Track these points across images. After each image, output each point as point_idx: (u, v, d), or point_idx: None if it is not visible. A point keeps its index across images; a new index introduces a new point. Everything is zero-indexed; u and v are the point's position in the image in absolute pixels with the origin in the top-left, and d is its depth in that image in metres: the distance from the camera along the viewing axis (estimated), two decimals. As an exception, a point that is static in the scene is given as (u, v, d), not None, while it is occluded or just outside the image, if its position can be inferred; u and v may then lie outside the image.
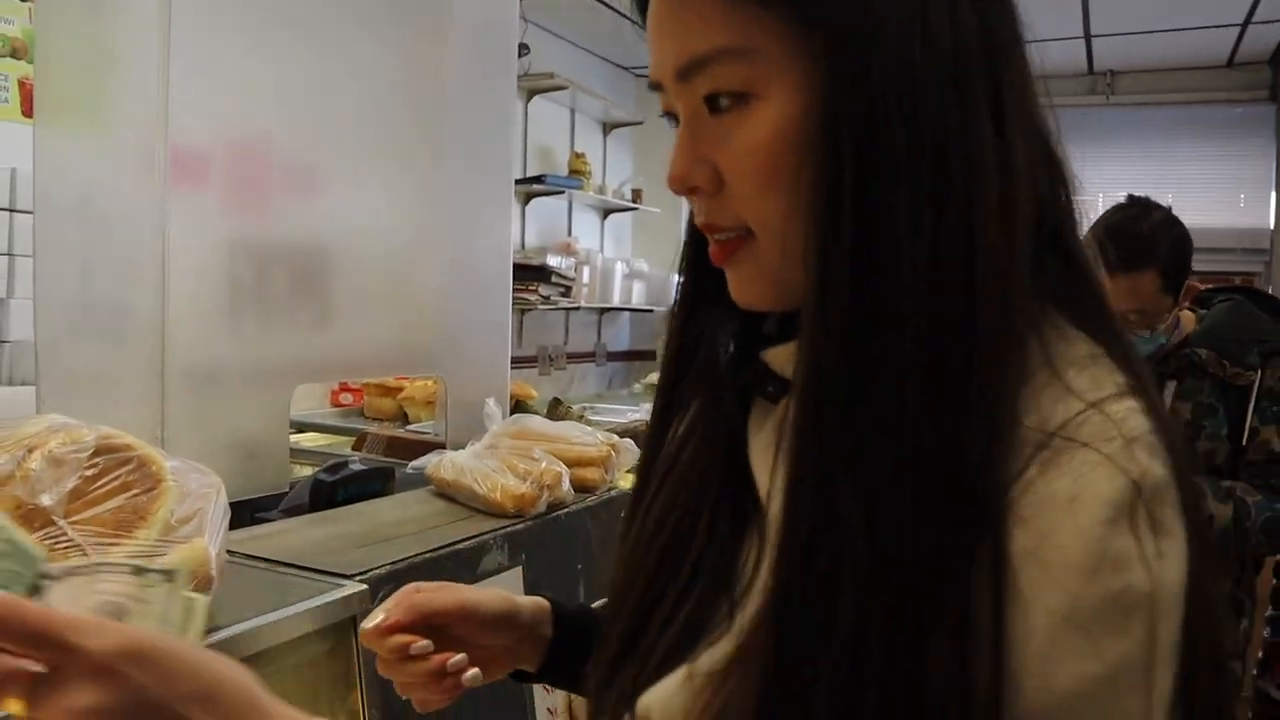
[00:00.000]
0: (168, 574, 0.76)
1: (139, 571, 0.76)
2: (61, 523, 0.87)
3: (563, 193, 5.18)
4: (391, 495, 1.60)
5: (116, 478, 0.92)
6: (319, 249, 1.65)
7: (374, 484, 1.60)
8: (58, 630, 0.51)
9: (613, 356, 6.49)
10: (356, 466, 1.61)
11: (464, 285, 1.89)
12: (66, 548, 0.87)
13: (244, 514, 1.44)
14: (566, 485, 1.53)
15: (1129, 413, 0.46)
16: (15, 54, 3.60)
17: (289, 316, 1.58)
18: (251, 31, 1.51)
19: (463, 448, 1.63)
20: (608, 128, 6.24)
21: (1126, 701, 0.43)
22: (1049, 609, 0.43)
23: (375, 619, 0.75)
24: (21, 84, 3.60)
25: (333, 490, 1.54)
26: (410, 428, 2.31)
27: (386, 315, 1.74)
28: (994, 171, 0.48)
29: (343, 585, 1.12)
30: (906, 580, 0.44)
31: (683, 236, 0.61)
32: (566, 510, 1.55)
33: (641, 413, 3.03)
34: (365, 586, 1.12)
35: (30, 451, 0.91)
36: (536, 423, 1.70)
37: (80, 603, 0.72)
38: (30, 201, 3.17)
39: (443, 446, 1.75)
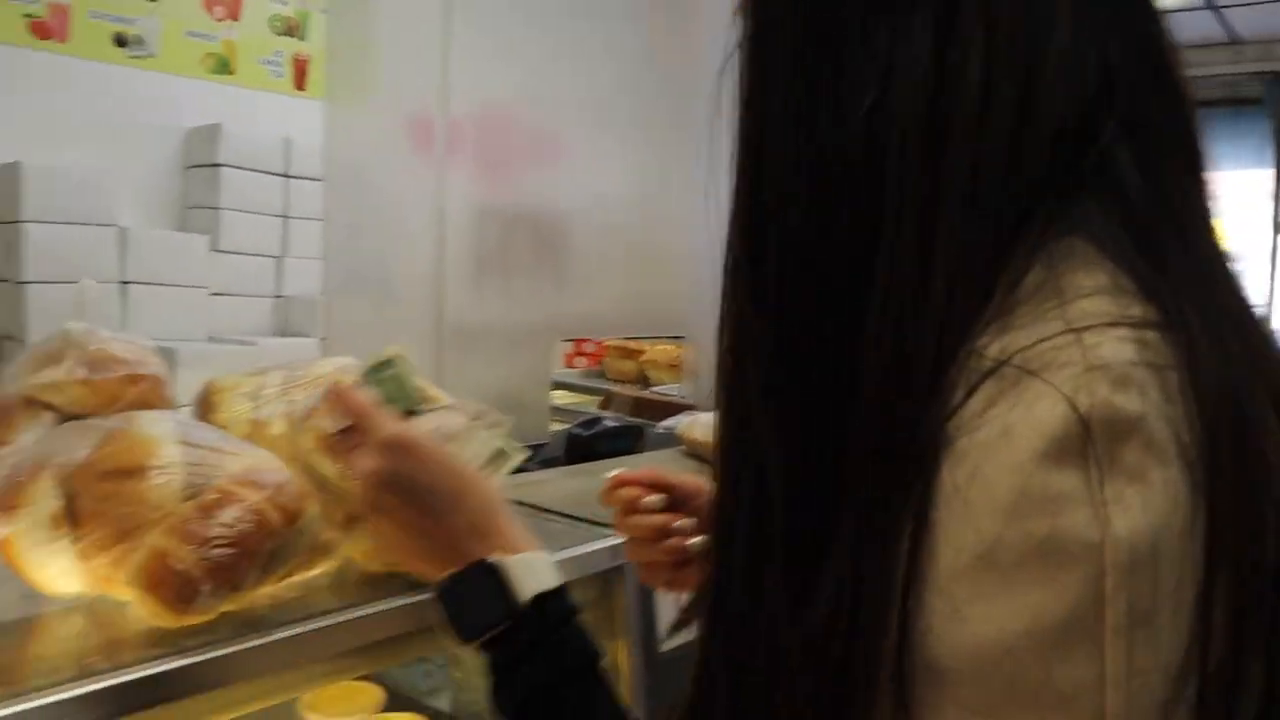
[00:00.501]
0: (488, 419, 0.91)
1: (475, 417, 0.91)
2: (363, 454, 0.92)
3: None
4: (642, 453, 1.61)
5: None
6: (574, 213, 1.68)
7: (626, 440, 1.62)
8: (365, 414, 0.78)
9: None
10: (609, 423, 1.64)
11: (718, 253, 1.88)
12: (367, 478, 0.91)
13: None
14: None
15: (1108, 341, 0.39)
16: (290, 32, 3.87)
17: (549, 277, 1.61)
18: (520, 7, 1.55)
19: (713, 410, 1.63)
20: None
21: (1062, 667, 0.36)
22: (966, 548, 0.37)
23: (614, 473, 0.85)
24: (295, 60, 3.88)
25: (588, 444, 1.57)
26: (654, 389, 2.33)
27: (641, 279, 1.75)
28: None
29: (608, 534, 1.13)
30: (820, 519, 0.43)
31: None
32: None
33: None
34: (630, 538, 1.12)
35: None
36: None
37: (421, 426, 0.86)
38: (303, 169, 3.44)
39: (692, 408, 1.75)
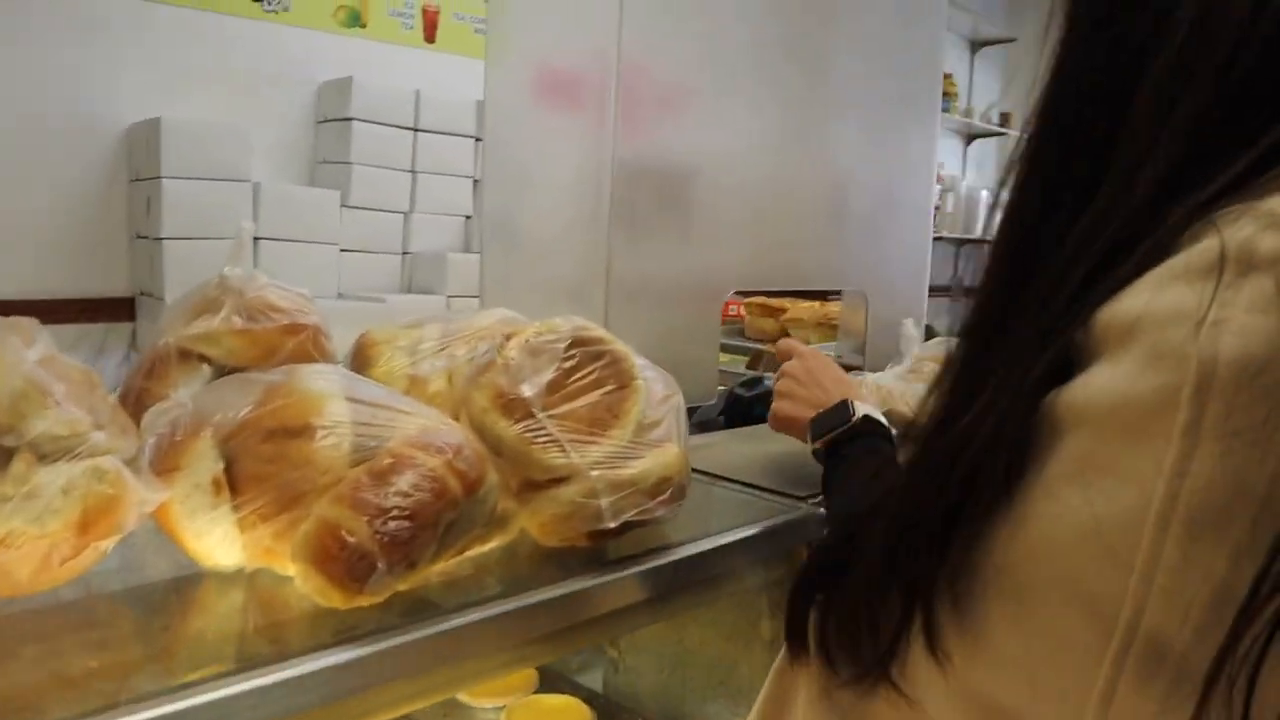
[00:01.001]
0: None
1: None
2: (541, 415, 0.81)
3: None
4: (806, 417, 1.49)
5: (591, 372, 0.85)
6: (742, 163, 1.54)
7: (789, 403, 1.49)
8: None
9: (967, 292, 6.09)
10: (771, 383, 1.51)
11: (888, 205, 1.74)
12: (546, 442, 0.81)
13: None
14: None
15: None
16: (421, -17, 3.79)
17: (704, 232, 1.49)
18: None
19: (881, 370, 1.49)
20: (975, 45, 5.78)
21: (1143, 446, 0.39)
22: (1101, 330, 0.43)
23: None
24: (424, 12, 3.82)
25: (750, 405, 1.45)
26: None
27: (812, 230, 1.61)
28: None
29: (798, 507, 1.01)
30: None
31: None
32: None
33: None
34: (821, 510, 1.00)
35: (508, 339, 0.86)
36: (967, 348, 1.51)
37: None
38: (431, 122, 3.37)
39: (859, 368, 1.61)
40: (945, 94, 5.22)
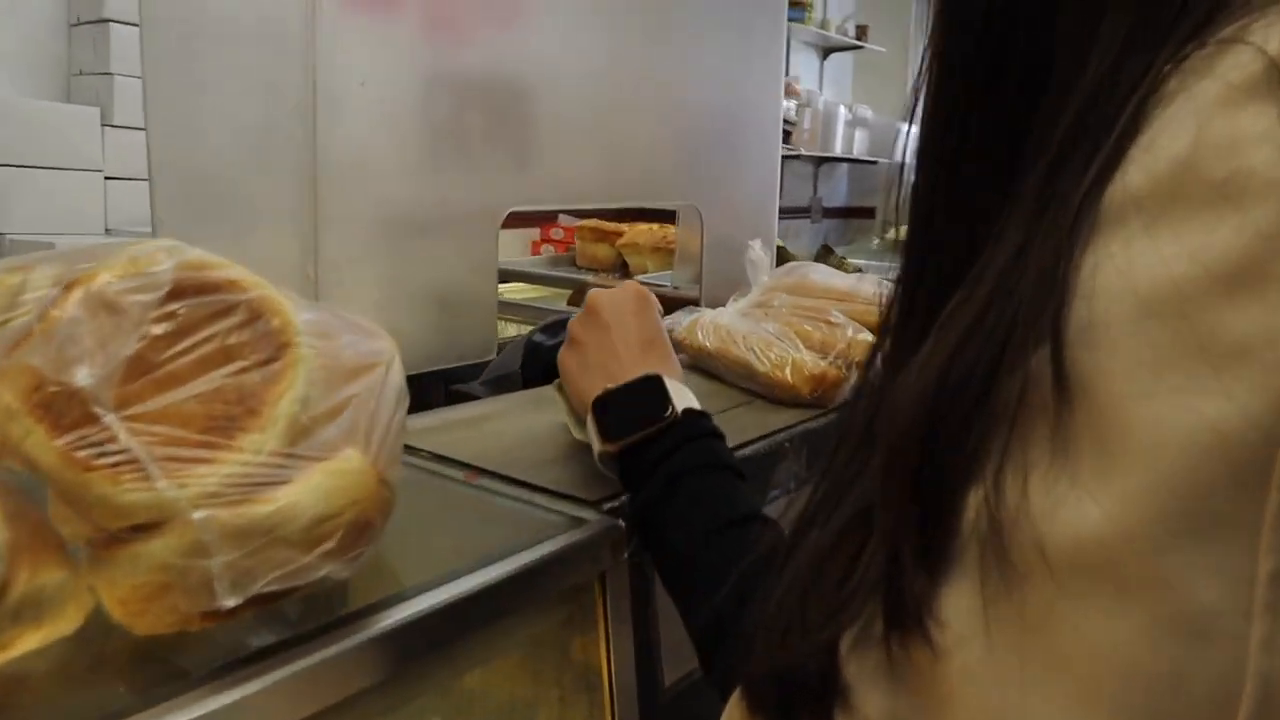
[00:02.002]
0: None
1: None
2: (109, 418, 0.48)
3: (785, 23, 4.57)
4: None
5: (208, 339, 0.51)
6: (539, 81, 1.20)
7: (605, 351, 1.18)
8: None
9: (828, 213, 5.94)
10: (581, 327, 1.20)
11: (731, 119, 1.42)
12: (118, 465, 0.47)
13: (435, 389, 1.05)
14: (877, 363, 1.07)
15: None
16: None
17: (507, 153, 1.14)
18: None
19: (722, 305, 1.19)
20: (832, -49, 5.53)
21: (1234, 314, 0.28)
22: (1129, 198, 0.30)
23: None
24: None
25: (550, 356, 1.13)
26: (637, 279, 1.87)
27: (617, 149, 1.28)
28: None
29: (583, 520, 0.70)
30: None
31: (912, 82, 0.46)
32: (875, 398, 1.10)
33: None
34: (619, 522, 0.70)
35: (67, 291, 0.52)
36: (822, 274, 1.22)
37: None
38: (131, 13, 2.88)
39: (695, 303, 1.31)
40: (800, 4, 4.95)
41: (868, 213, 6.11)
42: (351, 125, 0.98)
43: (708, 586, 0.62)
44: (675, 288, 1.58)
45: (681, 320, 1.17)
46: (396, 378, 0.59)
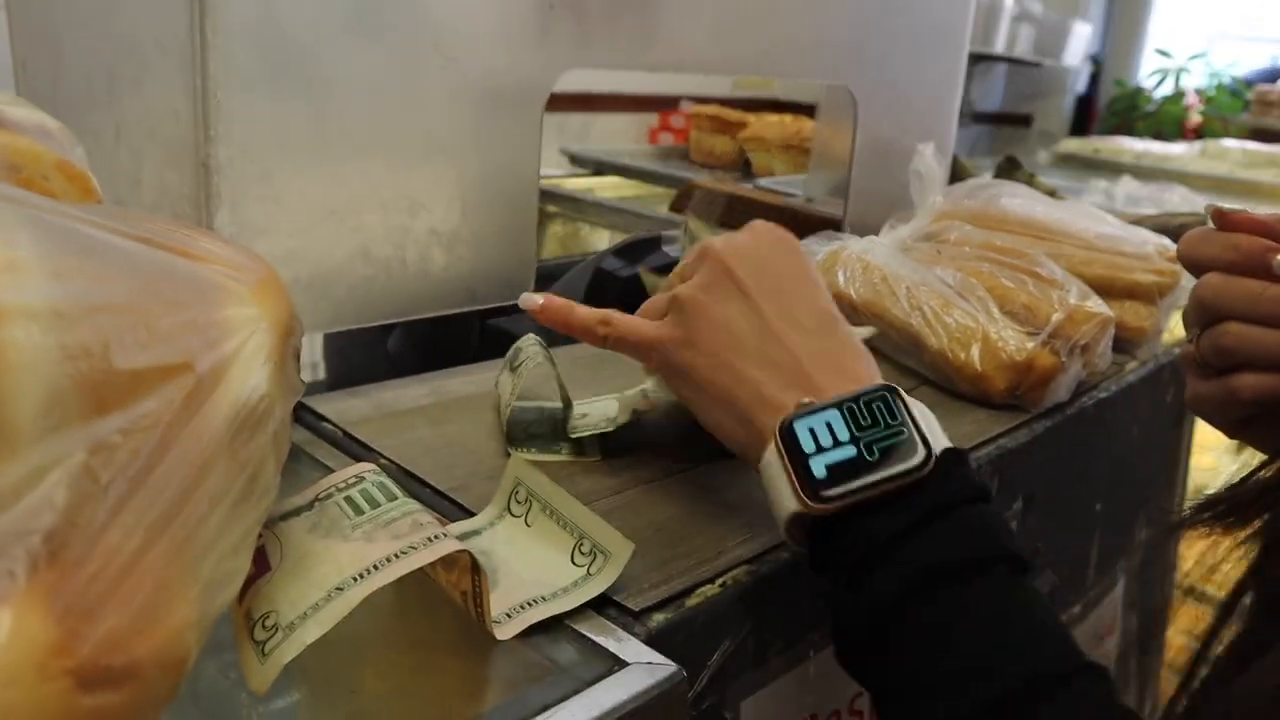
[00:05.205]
0: None
1: None
2: None
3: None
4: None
5: None
6: None
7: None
8: None
9: (978, 118, 5.36)
10: (672, 249, 0.86)
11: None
12: None
13: (467, 326, 0.75)
14: (1107, 343, 0.71)
15: None
16: None
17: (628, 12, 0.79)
18: None
19: (873, 233, 0.84)
20: None
21: None
22: None
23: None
24: None
25: (624, 289, 0.80)
26: (761, 183, 1.50)
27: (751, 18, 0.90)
28: None
29: (617, 659, 0.38)
30: None
31: None
32: (1097, 398, 0.73)
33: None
34: (679, 671, 0.37)
35: None
36: (1021, 199, 0.85)
37: None
38: None
39: (836, 225, 0.95)
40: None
41: (1022, 120, 5.51)
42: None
43: None
44: (809, 199, 1.21)
45: (816, 250, 0.82)
46: (263, 338, 0.27)
